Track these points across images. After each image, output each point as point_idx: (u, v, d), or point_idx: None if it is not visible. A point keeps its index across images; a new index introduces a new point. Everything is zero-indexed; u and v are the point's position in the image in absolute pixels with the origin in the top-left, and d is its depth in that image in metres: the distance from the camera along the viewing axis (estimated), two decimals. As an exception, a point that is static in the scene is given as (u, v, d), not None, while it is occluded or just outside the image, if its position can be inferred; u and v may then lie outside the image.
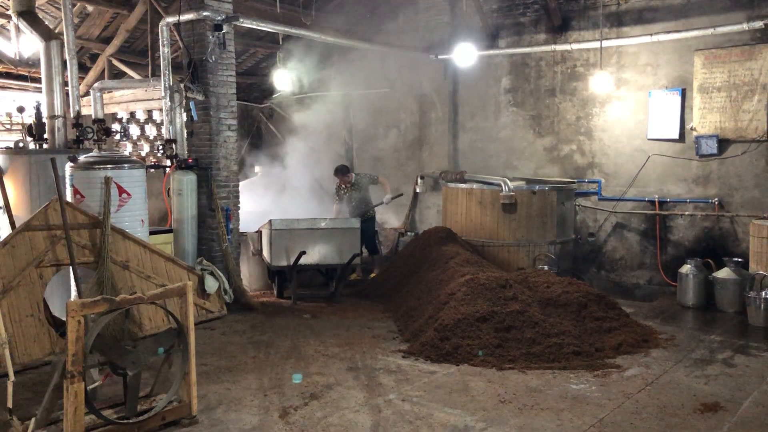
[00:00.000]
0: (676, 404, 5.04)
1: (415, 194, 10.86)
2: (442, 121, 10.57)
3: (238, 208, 8.45)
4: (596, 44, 8.72)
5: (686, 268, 7.93)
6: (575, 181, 9.29)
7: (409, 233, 10.34)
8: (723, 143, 8.16)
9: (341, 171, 9.51)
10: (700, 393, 5.27)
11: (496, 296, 6.54)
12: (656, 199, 8.66)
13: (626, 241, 9.02)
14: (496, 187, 8.76)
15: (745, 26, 7.71)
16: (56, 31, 8.67)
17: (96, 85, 9.05)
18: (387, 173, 10.77)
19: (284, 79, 9.86)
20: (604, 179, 9.15)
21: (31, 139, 7.93)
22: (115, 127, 10.24)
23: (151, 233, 7.61)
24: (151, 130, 11.18)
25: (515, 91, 9.90)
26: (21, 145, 7.70)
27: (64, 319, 5.03)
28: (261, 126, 12.45)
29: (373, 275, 9.48)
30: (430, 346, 6.12)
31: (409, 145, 10.94)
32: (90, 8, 9.43)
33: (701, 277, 7.84)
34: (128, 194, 6.82)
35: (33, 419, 4.26)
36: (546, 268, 8.27)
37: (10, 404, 4.40)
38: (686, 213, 8.46)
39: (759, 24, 7.60)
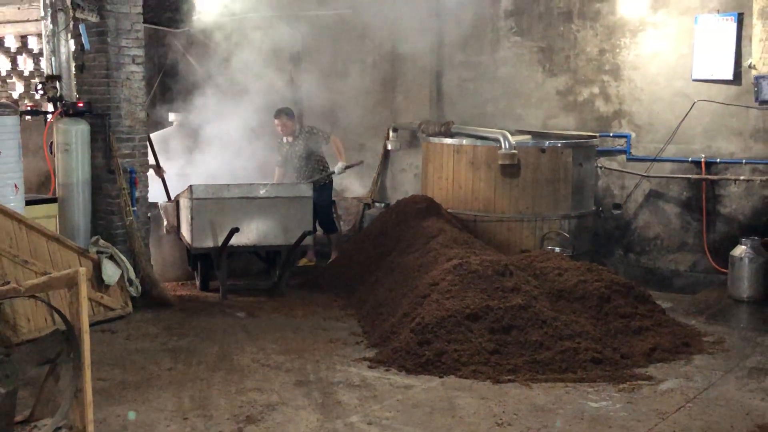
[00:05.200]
0: (725, 427, 5.16)
1: (386, 152, 10.90)
2: (421, 54, 10.55)
3: (148, 169, 8.41)
4: (627, -47, 8.75)
5: (740, 250, 8.08)
6: (597, 135, 9.37)
7: (377, 204, 10.35)
8: (790, 86, 8.31)
9: (283, 114, 9.60)
10: (756, 411, 5.39)
11: (493, 287, 6.60)
12: (703, 160, 8.79)
13: (663, 215, 9.16)
14: (492, 143, 8.82)
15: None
16: None
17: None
18: (347, 125, 10.76)
19: (209, -6, 9.79)
20: (635, 133, 9.26)
21: None
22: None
23: (29, 203, 7.56)
24: (26, 63, 10.98)
25: (519, 14, 9.93)
26: None
27: None
28: (177, 59, 12.27)
29: (330, 260, 9.54)
30: (405, 353, 6.19)
31: (377, 86, 10.94)
32: None
33: (760, 261, 7.99)
34: (-5, 150, 6.72)
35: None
36: (558, 249, 8.36)
37: None
38: (741, 178, 8.61)
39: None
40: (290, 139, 9.67)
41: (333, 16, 10.87)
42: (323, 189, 9.67)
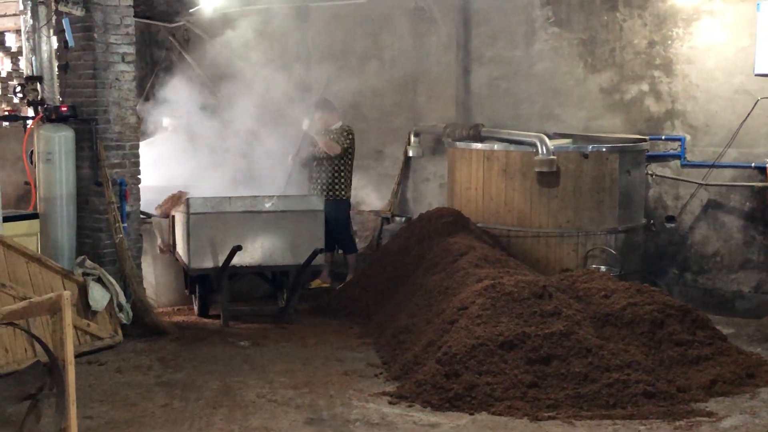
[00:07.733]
0: (796, 469, 5.12)
1: (407, 160, 10.92)
2: (446, 49, 10.59)
3: (139, 181, 8.43)
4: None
5: (812, 268, 8.04)
6: (647, 138, 9.35)
7: (397, 218, 10.37)
8: None
9: (323, 106, 9.71)
10: (832, 452, 5.35)
11: (530, 311, 6.60)
12: (768, 165, 8.76)
13: (723, 229, 9.12)
14: (528, 149, 8.82)
15: None
16: None
17: None
18: (363, 129, 10.77)
19: (207, -16, 9.87)
20: (691, 135, 9.23)
21: None
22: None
23: (6, 219, 7.59)
24: (2, 63, 11.08)
25: (557, 2, 9.93)
26: None
27: None
28: (171, 56, 12.37)
29: (345, 282, 9.54)
30: (430, 387, 6.18)
31: (396, 85, 10.96)
32: None
33: (834, 280, 7.94)
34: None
35: None
36: (603, 268, 8.35)
37: None
38: (812, 185, 8.58)
39: None
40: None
41: (347, 6, 10.92)
42: (340, 204, 9.72)
